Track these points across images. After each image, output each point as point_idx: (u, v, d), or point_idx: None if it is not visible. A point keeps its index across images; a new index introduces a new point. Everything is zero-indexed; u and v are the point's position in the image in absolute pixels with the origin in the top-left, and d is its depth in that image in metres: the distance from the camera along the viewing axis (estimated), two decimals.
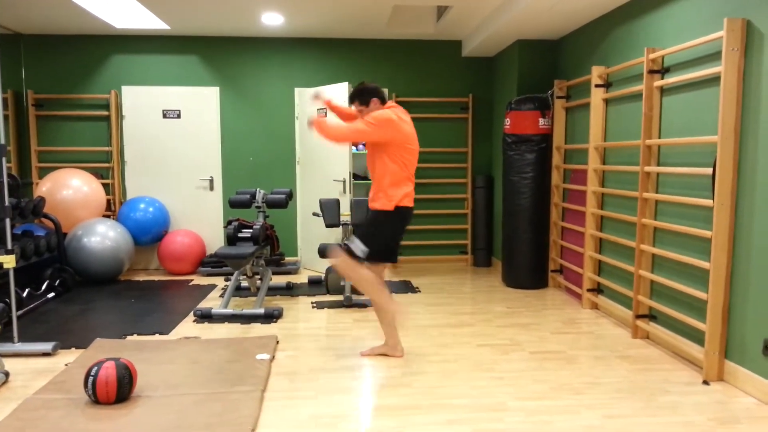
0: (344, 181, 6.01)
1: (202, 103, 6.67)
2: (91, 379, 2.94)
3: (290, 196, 5.29)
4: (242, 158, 6.77)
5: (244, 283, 5.64)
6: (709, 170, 3.36)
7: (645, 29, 4.22)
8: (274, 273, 6.17)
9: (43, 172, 6.48)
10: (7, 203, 3.75)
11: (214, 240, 6.74)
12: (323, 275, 5.70)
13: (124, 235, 5.96)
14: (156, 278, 6.22)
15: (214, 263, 6.39)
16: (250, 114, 6.75)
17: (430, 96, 6.86)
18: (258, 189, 5.31)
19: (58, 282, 5.42)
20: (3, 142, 3.70)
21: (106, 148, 6.58)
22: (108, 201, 6.54)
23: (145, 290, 5.66)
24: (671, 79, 3.77)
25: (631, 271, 4.27)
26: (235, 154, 6.76)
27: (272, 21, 5.91)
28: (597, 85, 4.76)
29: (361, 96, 3.61)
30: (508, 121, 5.68)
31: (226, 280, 6.07)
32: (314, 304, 5.12)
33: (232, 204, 5.18)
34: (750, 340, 3.16)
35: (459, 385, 3.29)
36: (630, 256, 4.35)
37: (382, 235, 3.58)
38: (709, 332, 3.34)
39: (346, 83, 5.98)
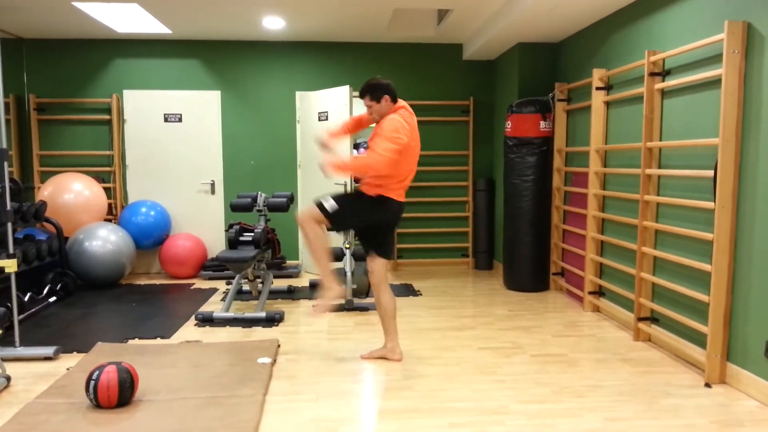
0: (345, 185, 6.01)
1: (203, 107, 6.68)
2: (92, 383, 2.94)
3: (291, 199, 5.29)
4: (243, 162, 6.78)
5: (246, 287, 5.64)
6: (710, 173, 3.36)
7: (646, 32, 4.23)
8: (275, 276, 6.17)
9: (44, 176, 6.49)
10: (8, 207, 3.75)
11: (216, 244, 6.75)
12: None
13: (126, 239, 5.96)
14: (157, 282, 6.23)
15: (215, 267, 6.39)
16: (251, 118, 6.76)
17: (431, 99, 6.86)
18: (259, 192, 5.31)
19: (59, 286, 5.42)
20: (5, 146, 3.71)
21: (108, 152, 6.59)
22: (109, 205, 6.54)
23: (147, 294, 5.67)
24: (672, 82, 3.78)
25: (632, 273, 4.26)
26: (237, 158, 6.77)
27: (273, 25, 5.93)
28: (598, 88, 4.76)
29: (373, 91, 3.57)
30: (509, 124, 5.68)
31: (228, 283, 6.07)
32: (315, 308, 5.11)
33: (234, 207, 5.18)
34: (752, 342, 3.15)
35: (460, 389, 3.29)
36: (631, 259, 4.34)
37: (356, 207, 3.61)
38: (711, 335, 3.34)
39: (347, 86, 5.98)
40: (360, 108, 6.47)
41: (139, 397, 3.10)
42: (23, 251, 4.84)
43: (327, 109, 6.25)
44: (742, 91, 3.21)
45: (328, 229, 3.68)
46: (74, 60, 6.54)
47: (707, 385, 3.33)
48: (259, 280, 5.40)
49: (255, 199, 5.24)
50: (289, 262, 6.79)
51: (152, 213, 6.35)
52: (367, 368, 3.63)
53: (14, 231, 5.13)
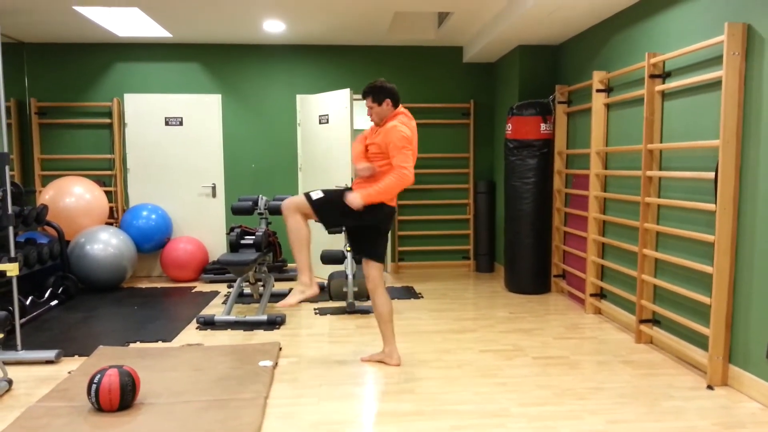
0: (345, 188, 6.01)
1: (204, 111, 6.69)
2: (94, 386, 2.94)
3: None
4: (244, 165, 6.79)
5: (247, 290, 5.64)
6: (711, 174, 3.36)
7: (646, 34, 4.23)
8: (276, 279, 6.17)
9: (45, 180, 6.50)
10: (10, 211, 3.76)
11: (217, 247, 6.75)
12: (326, 282, 5.70)
13: (127, 242, 5.97)
14: (159, 285, 6.23)
15: (216, 270, 6.39)
16: (252, 121, 6.77)
17: (432, 102, 6.87)
18: (260, 195, 5.32)
19: (61, 290, 5.43)
20: (6, 150, 3.72)
21: (109, 156, 6.60)
22: (111, 208, 6.55)
23: (148, 297, 5.67)
24: (672, 84, 3.78)
25: (633, 275, 4.26)
26: (237, 161, 6.77)
27: (274, 28, 5.94)
28: (598, 90, 4.76)
29: (376, 93, 3.60)
30: (509, 127, 5.69)
31: (229, 287, 6.07)
32: (317, 311, 5.12)
33: (235, 211, 5.19)
34: (754, 344, 3.15)
35: (462, 391, 3.29)
36: (633, 261, 4.34)
37: (344, 203, 3.57)
38: (712, 337, 3.33)
39: (348, 89, 5.99)
40: (361, 110, 6.51)
41: (141, 400, 3.10)
42: (25, 255, 4.85)
43: (327, 112, 6.26)
44: (743, 93, 3.21)
45: (326, 228, 3.68)
46: (75, 64, 6.55)
47: (709, 387, 3.32)
48: (261, 283, 5.40)
49: (256, 202, 5.25)
50: (290, 265, 6.79)
51: (153, 216, 6.36)
52: (369, 371, 3.63)
53: (16, 235, 5.14)
